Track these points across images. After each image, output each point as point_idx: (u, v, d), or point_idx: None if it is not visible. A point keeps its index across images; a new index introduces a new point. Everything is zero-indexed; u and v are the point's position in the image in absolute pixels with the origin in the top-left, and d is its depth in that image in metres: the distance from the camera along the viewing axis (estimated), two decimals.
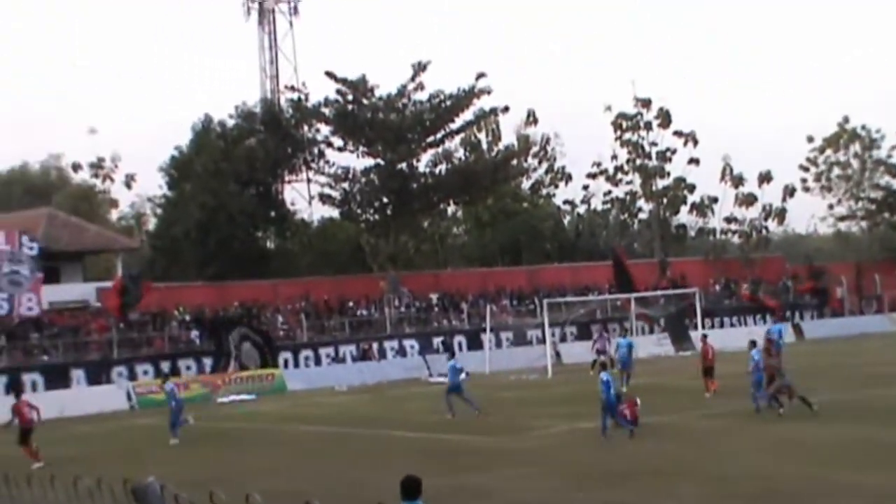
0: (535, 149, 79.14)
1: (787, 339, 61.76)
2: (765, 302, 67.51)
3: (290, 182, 71.83)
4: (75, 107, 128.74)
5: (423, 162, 66.79)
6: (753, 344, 31.73)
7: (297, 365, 52.84)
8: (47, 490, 5.95)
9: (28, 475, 6.08)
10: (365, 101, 63.42)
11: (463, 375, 33.87)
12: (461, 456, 24.62)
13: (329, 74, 63.10)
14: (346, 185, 65.54)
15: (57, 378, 46.45)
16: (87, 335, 50.59)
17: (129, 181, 77.33)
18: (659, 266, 70.34)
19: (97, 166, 77.29)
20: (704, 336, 38.00)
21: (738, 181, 77.05)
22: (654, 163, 77.33)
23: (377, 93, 63.69)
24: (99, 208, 77.36)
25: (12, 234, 48.24)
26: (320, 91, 67.01)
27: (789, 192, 77.77)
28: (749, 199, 77.06)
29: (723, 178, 77.27)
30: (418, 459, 22.82)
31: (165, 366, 49.08)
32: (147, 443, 32.15)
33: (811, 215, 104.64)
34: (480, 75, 63.94)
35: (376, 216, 66.56)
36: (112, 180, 77.65)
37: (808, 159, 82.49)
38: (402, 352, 55.90)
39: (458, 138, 70.53)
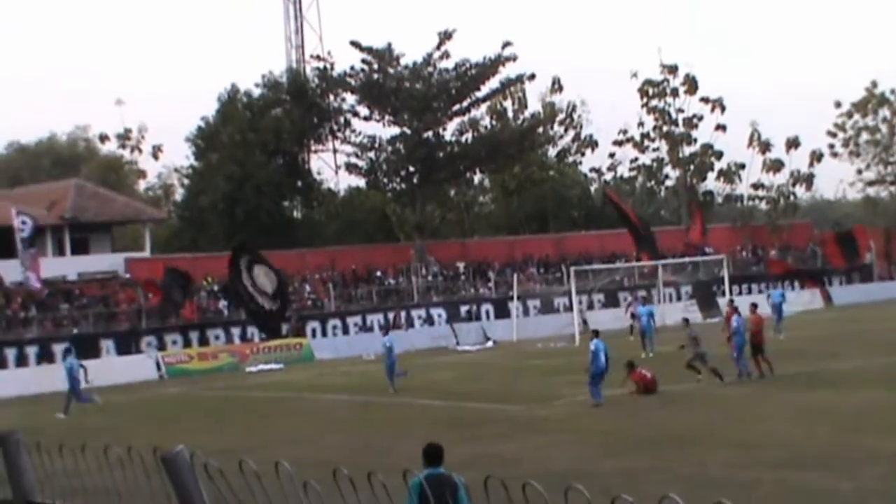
0: (560, 116, 78.84)
1: (816, 306, 61.80)
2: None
3: (316, 152, 71.91)
4: (102, 78, 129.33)
5: (449, 131, 66.85)
6: (735, 310, 32.52)
7: (324, 334, 53.09)
8: (78, 458, 6.04)
9: (59, 444, 6.18)
10: (390, 70, 63.36)
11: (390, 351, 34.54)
12: (488, 424, 24.72)
13: (354, 44, 63.04)
14: (372, 154, 65.62)
15: (86, 348, 46.82)
16: (116, 305, 50.97)
17: (156, 152, 77.73)
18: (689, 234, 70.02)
19: (124, 137, 77.66)
20: (731, 301, 38.07)
21: (765, 147, 76.61)
22: (680, 129, 76.88)
23: (403, 62, 63.64)
24: (126, 179, 77.70)
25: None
26: (346, 60, 67.01)
27: (817, 157, 77.31)
28: (776, 165, 76.63)
29: (750, 144, 76.83)
30: (444, 428, 22.94)
31: (194, 336, 49.47)
32: (176, 412, 32.44)
33: (839, 181, 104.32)
34: (506, 43, 63.79)
35: (402, 185, 66.62)
36: (140, 151, 78.10)
37: (836, 124, 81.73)
38: (429, 320, 56.05)
39: (483, 106, 70.43)
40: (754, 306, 32.72)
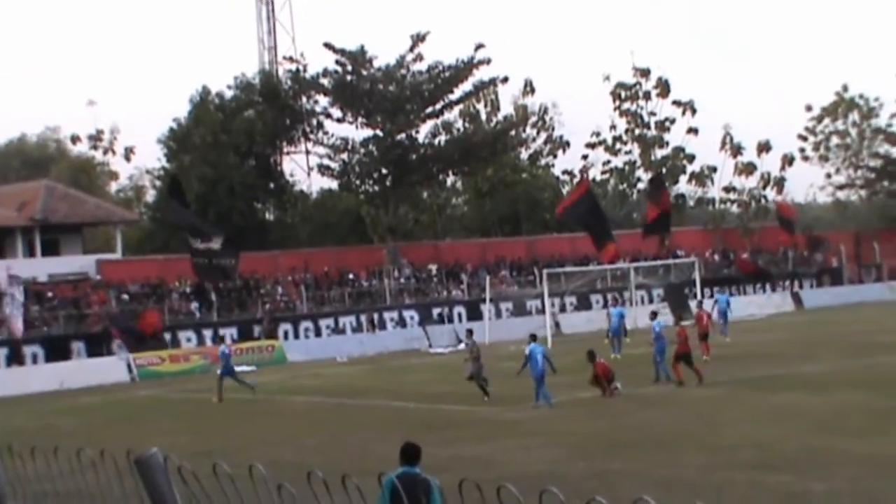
0: (533, 119, 79.02)
1: (786, 309, 62.20)
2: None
3: (288, 153, 71.75)
4: (73, 79, 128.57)
5: (423, 133, 66.89)
6: (654, 315, 33.38)
7: (297, 336, 52.95)
8: (50, 461, 5.98)
9: (31, 447, 6.12)
10: (364, 73, 63.31)
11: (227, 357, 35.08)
12: (461, 426, 24.72)
13: (327, 45, 62.96)
14: (344, 156, 65.53)
15: (57, 350, 46.57)
16: (87, 307, 50.68)
17: (128, 154, 77.31)
18: (659, 238, 70.31)
19: (96, 138, 77.20)
20: (700, 303, 38.55)
21: (737, 150, 77.08)
22: (652, 132, 77.28)
23: (376, 64, 63.59)
24: (98, 180, 77.27)
25: None
26: (319, 62, 67.07)
27: (788, 161, 77.87)
28: (748, 169, 77.13)
29: (722, 147, 77.28)
30: (418, 430, 22.88)
31: (166, 337, 49.23)
32: (148, 414, 32.29)
33: (810, 184, 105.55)
34: (479, 46, 63.87)
35: (375, 187, 66.57)
36: (113, 152, 77.62)
37: (807, 128, 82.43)
38: (401, 322, 56.00)
39: (456, 109, 70.53)
40: (679, 318, 33.61)
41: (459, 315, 56.98)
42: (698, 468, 17.90)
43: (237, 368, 46.38)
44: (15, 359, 45.51)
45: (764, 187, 77.80)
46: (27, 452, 6.13)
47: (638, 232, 68.92)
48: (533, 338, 28.78)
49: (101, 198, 67.45)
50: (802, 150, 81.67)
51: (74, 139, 79.06)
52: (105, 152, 77.58)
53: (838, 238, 74.11)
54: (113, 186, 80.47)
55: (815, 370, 31.18)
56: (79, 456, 5.90)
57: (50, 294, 51.06)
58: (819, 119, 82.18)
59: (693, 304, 50.58)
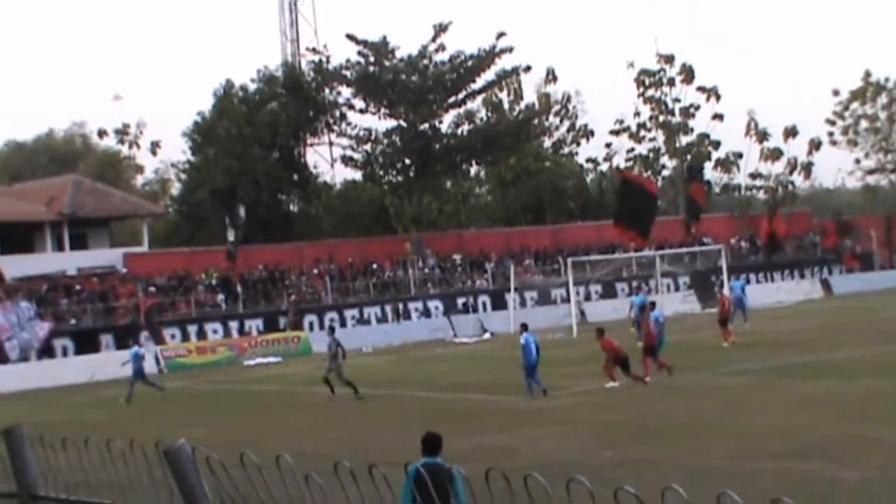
0: (556, 107, 78.83)
1: (815, 296, 61.80)
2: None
3: (312, 145, 71.91)
4: (99, 74, 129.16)
5: (446, 123, 66.81)
6: (653, 305, 33.55)
7: (322, 327, 53.03)
8: (81, 452, 6.04)
9: (63, 438, 6.18)
10: (386, 63, 63.30)
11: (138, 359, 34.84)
12: (486, 416, 24.72)
13: (350, 37, 63.00)
14: (368, 147, 65.60)
15: (86, 343, 46.89)
16: (115, 300, 50.98)
17: (154, 147, 77.59)
18: (684, 224, 70.09)
19: (122, 133, 77.50)
20: (721, 287, 38.49)
21: (763, 136, 76.60)
22: (677, 119, 76.91)
23: (398, 54, 63.58)
24: (124, 174, 77.64)
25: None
26: (341, 53, 67.07)
27: (815, 145, 77.27)
28: (775, 154, 76.62)
29: (747, 133, 76.82)
30: (443, 420, 22.88)
31: (192, 330, 49.47)
32: (176, 405, 32.43)
33: (838, 169, 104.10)
34: (501, 35, 63.77)
35: (399, 178, 66.61)
36: (138, 147, 77.95)
37: (835, 112, 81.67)
38: (426, 313, 56.03)
39: (479, 98, 70.41)
40: (653, 305, 33.36)
41: (484, 304, 57.00)
42: (726, 456, 17.83)
43: (264, 360, 46.86)
44: (45, 352, 45.88)
45: (791, 173, 77.36)
46: (58, 443, 6.19)
47: (663, 219, 68.83)
48: (524, 327, 28.83)
49: (127, 192, 67.78)
50: (831, 134, 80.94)
51: (101, 134, 79.47)
52: (131, 146, 77.93)
53: (868, 223, 73.48)
54: (139, 180, 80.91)
55: (845, 357, 30.96)
56: (108, 447, 5.94)
57: (78, 287, 51.39)
58: (847, 103, 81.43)
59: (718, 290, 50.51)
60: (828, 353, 32.02)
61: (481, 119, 72.09)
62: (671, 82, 76.55)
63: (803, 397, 24.12)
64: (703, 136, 76.98)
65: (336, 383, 30.12)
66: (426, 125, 64.35)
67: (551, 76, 78.06)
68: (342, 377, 30.13)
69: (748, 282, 62.77)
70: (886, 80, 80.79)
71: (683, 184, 59.21)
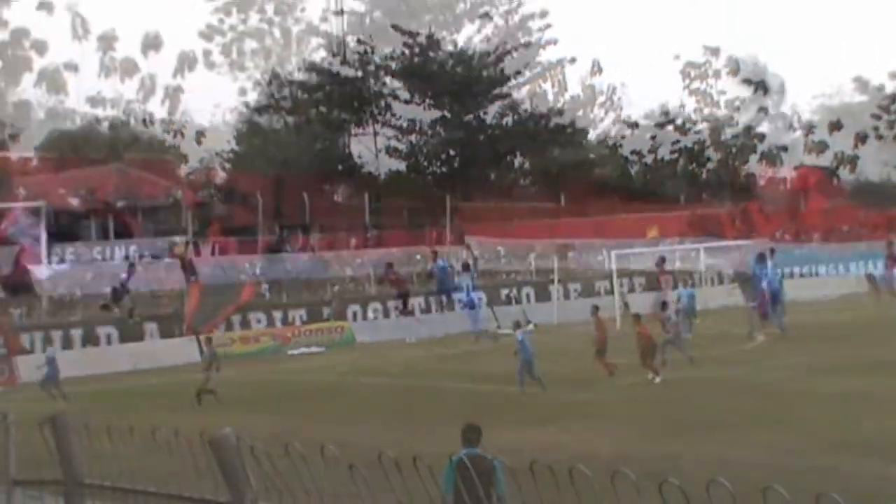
0: (601, 99, 78.60)
1: (860, 290, 61.12)
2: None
3: (357, 135, 72.00)
4: (145, 63, 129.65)
5: (490, 114, 66.67)
6: (665, 305, 33.14)
7: (365, 317, 53.18)
8: (126, 440, 6.09)
9: (107, 426, 6.24)
10: (431, 54, 63.34)
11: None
12: (527, 409, 24.71)
13: (395, 27, 63.08)
14: (412, 137, 65.68)
15: (130, 331, 47.26)
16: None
17: (198, 137, 78.05)
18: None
19: (168, 122, 78.03)
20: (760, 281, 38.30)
21: (808, 129, 75.94)
22: (722, 111, 76.42)
23: (443, 46, 63.60)
24: (168, 164, 78.13)
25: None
26: (387, 45, 67.05)
27: (861, 139, 76.52)
28: (819, 147, 75.96)
29: (791, 126, 76.23)
30: (486, 411, 22.91)
31: (235, 319, 49.71)
32: (220, 394, 32.60)
33: (884, 163, 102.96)
34: (546, 26, 63.61)
35: (443, 169, 66.62)
36: (182, 136, 78.40)
37: (880, 106, 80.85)
38: (469, 304, 55.90)
39: (524, 90, 70.29)
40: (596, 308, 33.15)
41: (528, 296, 56.83)
42: (768, 451, 17.72)
43: (307, 350, 46.99)
44: (89, 340, 46.30)
45: (836, 166, 76.62)
46: (103, 431, 6.25)
47: (707, 211, 68.37)
48: (517, 325, 29.54)
49: (171, 181, 68.18)
50: (876, 128, 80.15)
51: (146, 122, 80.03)
52: (175, 135, 78.45)
53: None
54: (183, 170, 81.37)
55: (888, 353, 30.64)
56: (154, 436, 5.99)
57: (124, 276, 51.72)
58: (893, 98, 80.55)
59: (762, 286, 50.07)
60: (871, 349, 31.67)
61: (525, 111, 72.01)
62: (717, 75, 76.13)
63: (846, 392, 23.89)
64: (749, 129, 76.46)
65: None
66: (470, 116, 64.33)
67: (597, 68, 77.89)
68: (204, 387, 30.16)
69: (791, 275, 62.33)
70: None
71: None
